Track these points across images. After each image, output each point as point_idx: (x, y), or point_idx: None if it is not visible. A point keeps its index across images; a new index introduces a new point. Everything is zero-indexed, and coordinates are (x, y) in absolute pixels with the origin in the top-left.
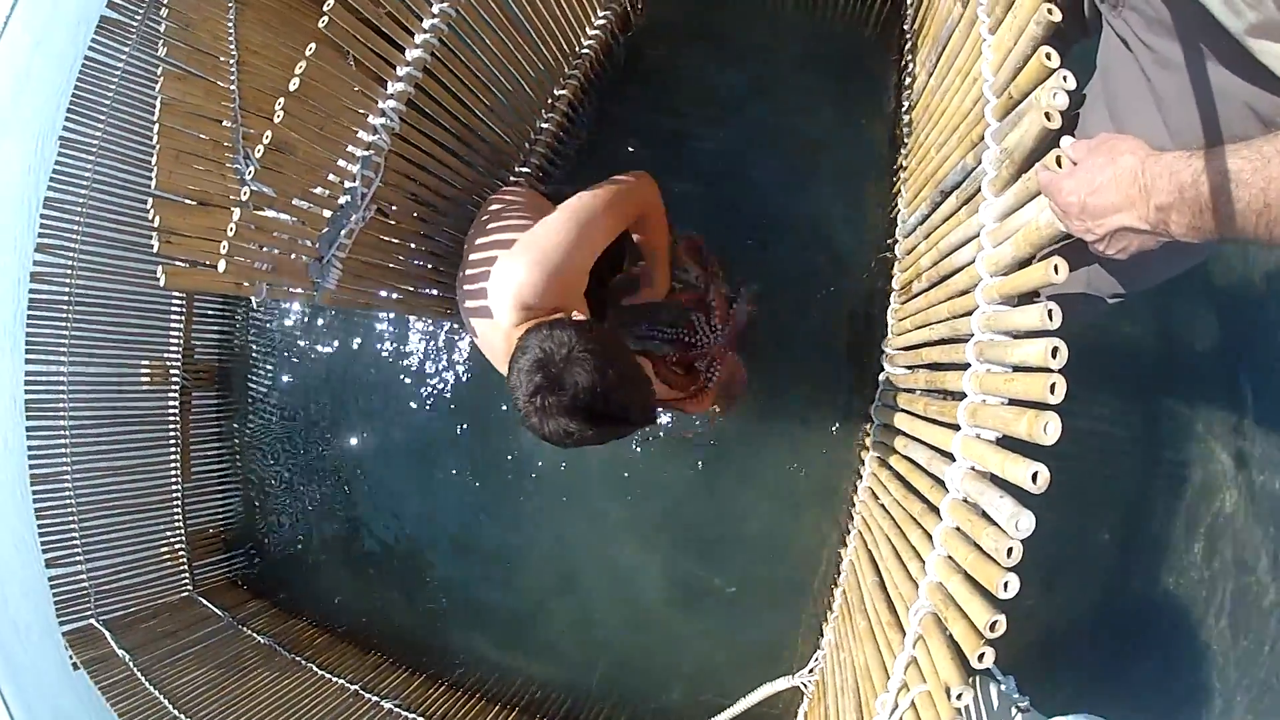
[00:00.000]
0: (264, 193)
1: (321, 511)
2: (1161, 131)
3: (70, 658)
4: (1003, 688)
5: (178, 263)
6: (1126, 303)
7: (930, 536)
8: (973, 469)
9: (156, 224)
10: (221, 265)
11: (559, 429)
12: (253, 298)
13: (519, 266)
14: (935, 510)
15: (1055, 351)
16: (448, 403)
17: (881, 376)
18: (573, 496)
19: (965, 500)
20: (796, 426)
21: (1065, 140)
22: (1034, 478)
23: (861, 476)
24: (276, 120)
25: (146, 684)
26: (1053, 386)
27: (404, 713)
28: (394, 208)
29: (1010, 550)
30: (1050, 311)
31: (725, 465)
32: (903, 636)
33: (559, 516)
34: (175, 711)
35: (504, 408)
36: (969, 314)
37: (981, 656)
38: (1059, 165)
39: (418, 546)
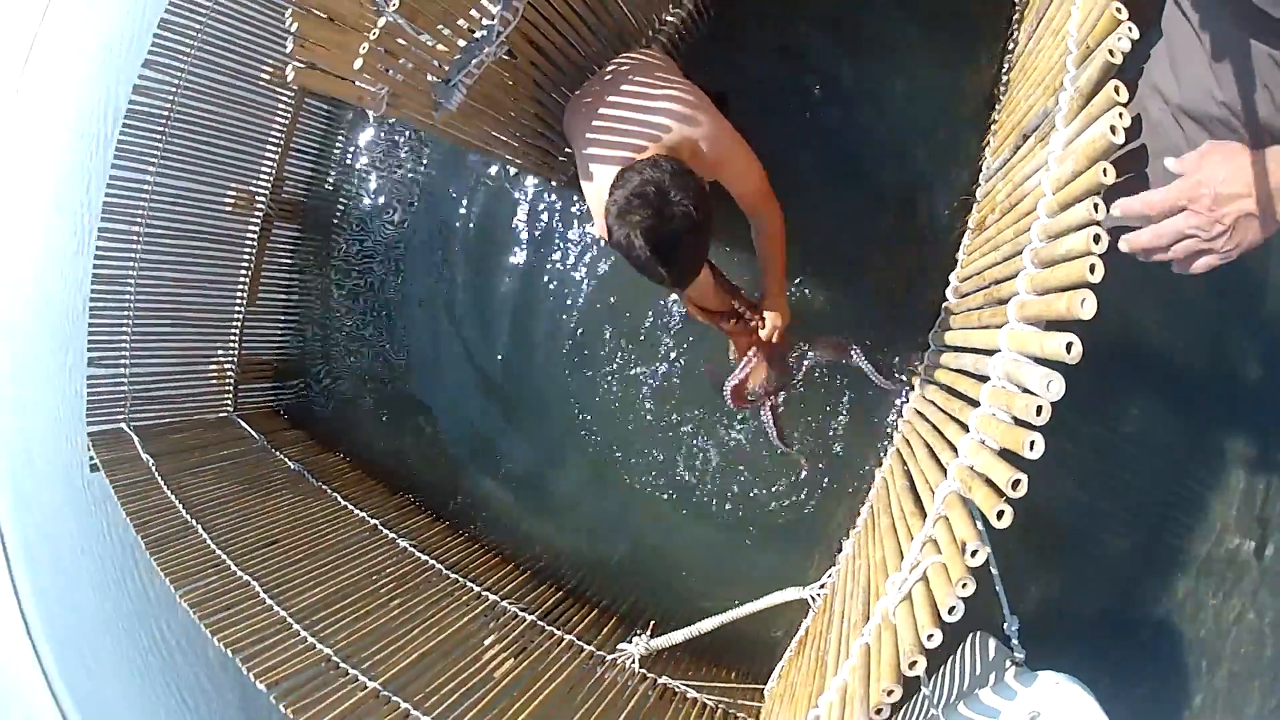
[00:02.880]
0: (400, 25)
1: (375, 359)
2: (1212, 82)
3: (91, 458)
4: (1006, 625)
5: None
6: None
7: (966, 427)
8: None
9: (293, 29)
10: (358, 63)
11: (626, 236)
12: (371, 112)
13: (711, 122)
14: (975, 404)
15: (1097, 238)
16: (512, 272)
17: (943, 306)
18: (624, 392)
19: (1004, 386)
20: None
21: (1169, 161)
22: (1068, 348)
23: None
24: None
25: (165, 488)
26: (1092, 267)
27: (419, 554)
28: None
29: (1040, 409)
30: (1095, 204)
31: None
32: (924, 520)
33: (608, 408)
34: (188, 517)
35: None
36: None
37: (1001, 515)
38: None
39: (467, 409)
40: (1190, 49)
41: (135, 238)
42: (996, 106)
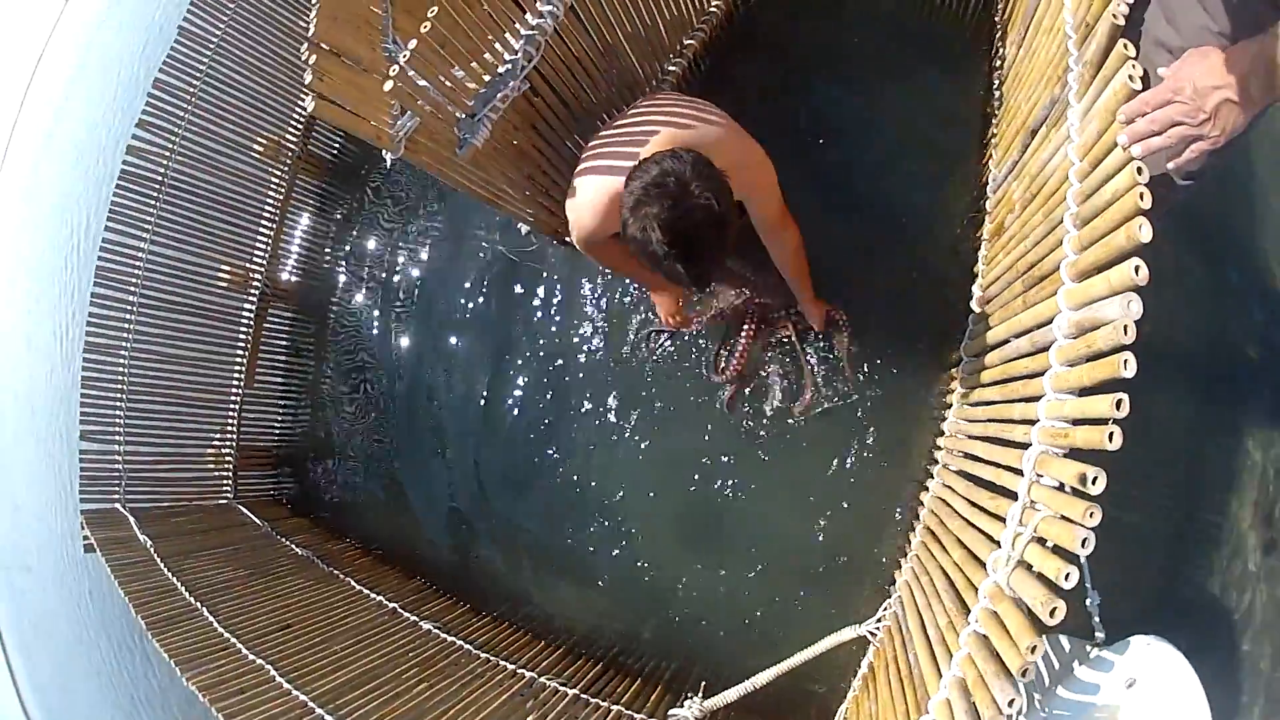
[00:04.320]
0: (412, 79)
1: (376, 443)
2: (1207, 19)
3: (85, 538)
4: (1089, 601)
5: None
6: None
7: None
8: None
9: (311, 63)
10: (388, 86)
11: (643, 229)
12: (387, 155)
13: (739, 132)
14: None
15: (1143, 195)
16: (515, 349)
17: (969, 319)
18: (640, 443)
19: (1069, 342)
20: (880, 389)
21: (1161, 70)
22: (1135, 270)
23: (946, 415)
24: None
25: (165, 571)
26: (1141, 194)
27: (444, 634)
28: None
29: (1126, 328)
30: (1132, 160)
31: (802, 433)
32: (1009, 503)
33: (624, 462)
34: (192, 600)
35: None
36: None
37: (1111, 436)
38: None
39: (477, 489)
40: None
41: (129, 307)
42: (992, 123)
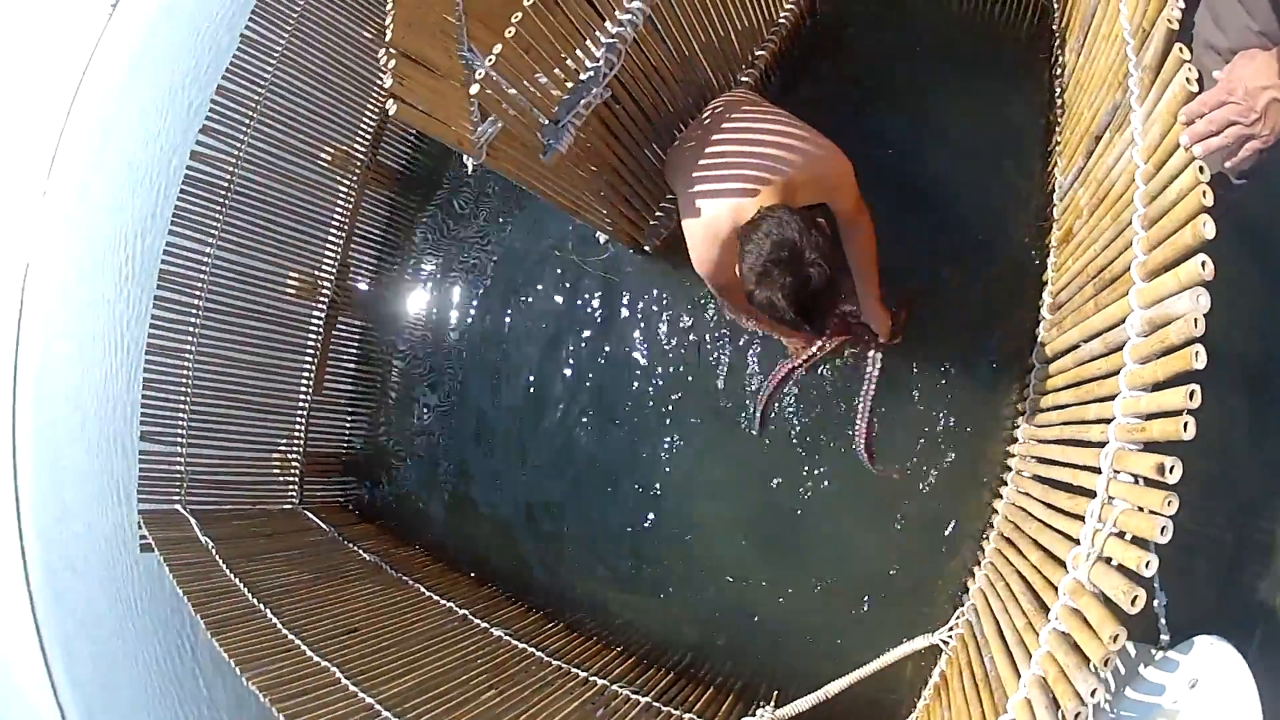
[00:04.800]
0: (495, 80)
1: (445, 453)
2: (1248, 18)
3: (143, 537)
4: (1157, 603)
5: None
6: None
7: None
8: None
9: (390, 67)
10: (474, 89)
11: (768, 299)
12: (469, 161)
13: (827, 148)
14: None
15: (1202, 169)
16: (579, 355)
17: (1039, 328)
18: (710, 454)
19: (1141, 339)
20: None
21: (1215, 73)
22: (1203, 265)
23: (1018, 424)
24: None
25: (227, 571)
26: (1204, 192)
27: (516, 641)
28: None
29: (1197, 320)
30: (1194, 160)
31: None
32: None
33: (695, 473)
34: (255, 601)
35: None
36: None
37: (1186, 427)
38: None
39: (551, 498)
40: (1227, 2)
41: (194, 311)
42: (1055, 130)
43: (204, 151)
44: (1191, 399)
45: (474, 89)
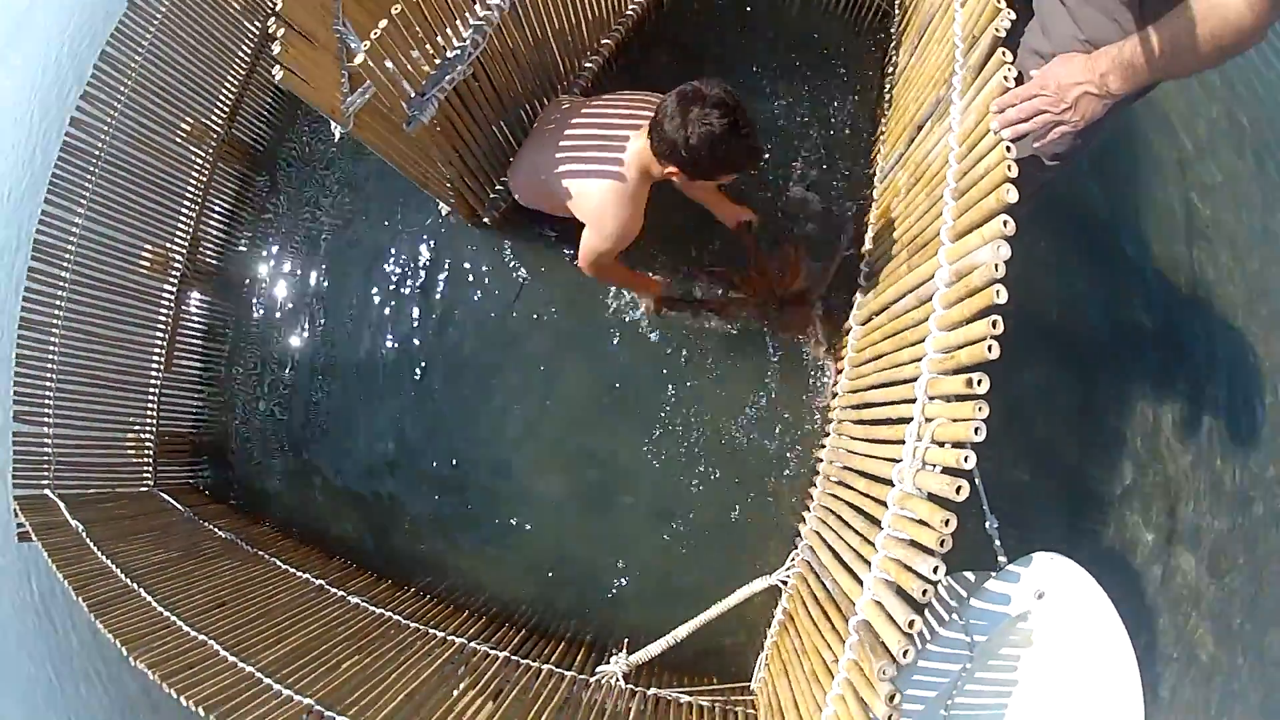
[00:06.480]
0: (370, 66)
1: (291, 426)
2: (1075, 28)
3: (19, 525)
4: (988, 524)
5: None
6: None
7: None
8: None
9: (281, 34)
10: (360, 57)
11: (724, 126)
12: (336, 129)
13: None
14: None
15: (1010, 166)
16: (430, 326)
17: (857, 292)
18: (549, 412)
19: (946, 290)
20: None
21: (1032, 71)
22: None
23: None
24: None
25: (100, 554)
26: (1009, 165)
27: (371, 607)
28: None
29: (997, 265)
30: (1002, 141)
31: (706, 381)
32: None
33: (534, 431)
34: (129, 582)
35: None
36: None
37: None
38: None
39: (391, 467)
40: (1055, 12)
41: (61, 284)
42: (881, 122)
43: (84, 119)
44: (995, 327)
45: (358, 59)
